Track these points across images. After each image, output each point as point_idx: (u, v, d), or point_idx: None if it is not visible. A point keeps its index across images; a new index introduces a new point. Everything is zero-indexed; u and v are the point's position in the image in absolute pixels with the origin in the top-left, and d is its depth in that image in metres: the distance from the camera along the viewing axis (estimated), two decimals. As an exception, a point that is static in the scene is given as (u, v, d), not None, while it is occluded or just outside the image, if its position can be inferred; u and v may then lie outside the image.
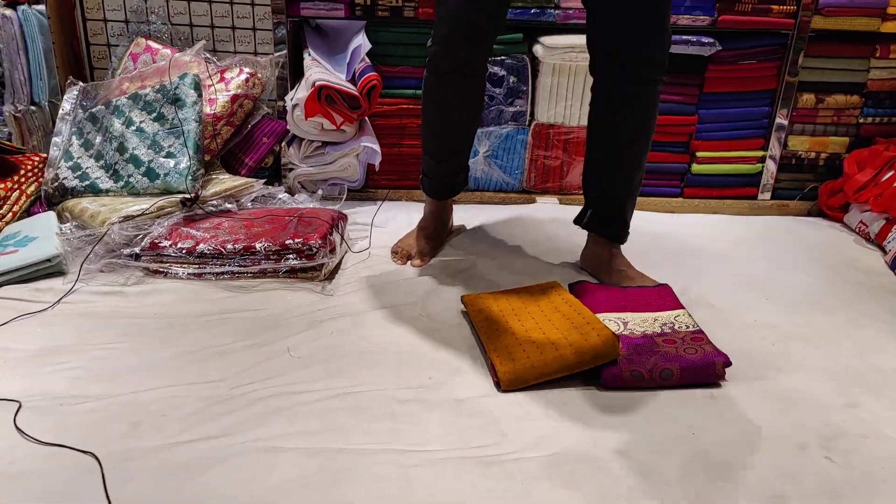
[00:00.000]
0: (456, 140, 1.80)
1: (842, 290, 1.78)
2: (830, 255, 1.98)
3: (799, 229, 2.18)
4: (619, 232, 1.74)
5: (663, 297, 1.62)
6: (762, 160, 2.27)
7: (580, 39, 2.06)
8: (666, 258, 1.90)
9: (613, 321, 1.52)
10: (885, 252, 1.97)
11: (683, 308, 1.57)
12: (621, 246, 1.76)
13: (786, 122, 2.23)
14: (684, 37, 2.13)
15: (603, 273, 1.74)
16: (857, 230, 2.11)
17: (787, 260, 1.95)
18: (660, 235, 2.06)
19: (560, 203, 2.26)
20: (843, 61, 2.20)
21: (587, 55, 2.14)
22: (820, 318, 1.63)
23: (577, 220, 1.80)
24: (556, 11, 2.14)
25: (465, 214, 2.12)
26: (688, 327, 1.49)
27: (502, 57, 2.17)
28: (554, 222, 2.09)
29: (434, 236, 1.90)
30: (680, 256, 1.93)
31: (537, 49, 2.14)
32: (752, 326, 1.58)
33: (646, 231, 2.04)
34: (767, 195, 2.30)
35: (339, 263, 1.80)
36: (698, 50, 2.14)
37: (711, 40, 2.13)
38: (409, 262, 1.83)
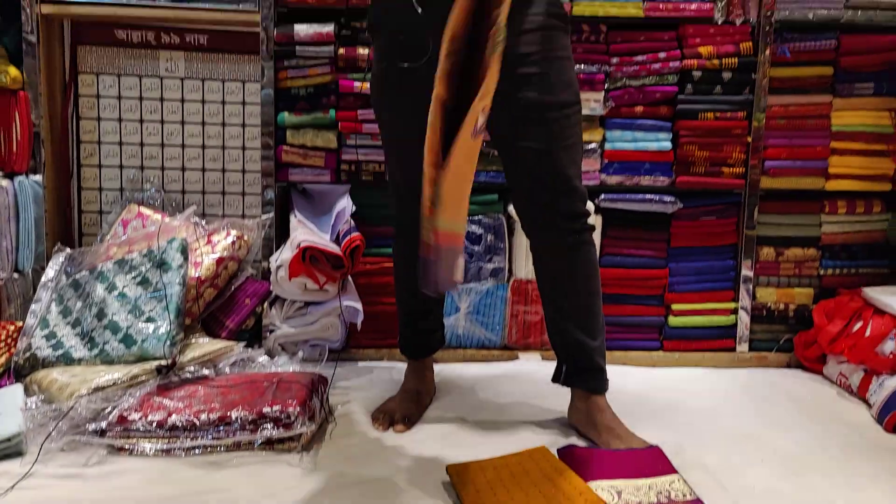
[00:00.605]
0: (427, 298, 1.58)
1: (834, 448, 1.53)
2: (816, 410, 1.74)
3: (781, 382, 1.94)
4: (596, 381, 1.50)
5: (656, 461, 1.37)
6: (735, 311, 2.08)
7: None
8: (653, 415, 1.65)
9: (606, 490, 1.28)
10: (869, 405, 1.73)
11: (677, 473, 1.33)
12: (606, 396, 1.51)
13: (751, 274, 2.06)
14: (647, 196, 2.01)
15: (591, 431, 1.49)
16: (838, 382, 1.88)
17: (774, 415, 1.70)
18: (644, 391, 1.82)
19: (543, 359, 2.01)
20: (795, 217, 2.08)
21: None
22: (819, 480, 1.38)
23: (555, 378, 1.57)
24: (529, 175, 2.00)
25: (449, 374, 1.88)
26: (684, 496, 1.27)
27: (479, 216, 2.01)
28: (538, 380, 1.83)
29: (416, 399, 1.64)
30: (666, 413, 1.68)
31: (511, 209, 1.98)
32: (751, 491, 1.33)
33: (629, 387, 1.81)
34: (745, 346, 2.08)
35: (320, 430, 1.52)
36: (661, 207, 2.01)
37: (673, 199, 2.01)
38: (391, 429, 1.55)
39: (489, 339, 2.05)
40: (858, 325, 1.82)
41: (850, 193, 2.06)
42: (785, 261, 2.08)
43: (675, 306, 2.07)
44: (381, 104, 1.53)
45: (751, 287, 2.06)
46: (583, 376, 1.51)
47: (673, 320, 2.07)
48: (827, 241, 2.07)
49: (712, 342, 2.08)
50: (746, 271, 2.05)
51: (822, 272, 2.08)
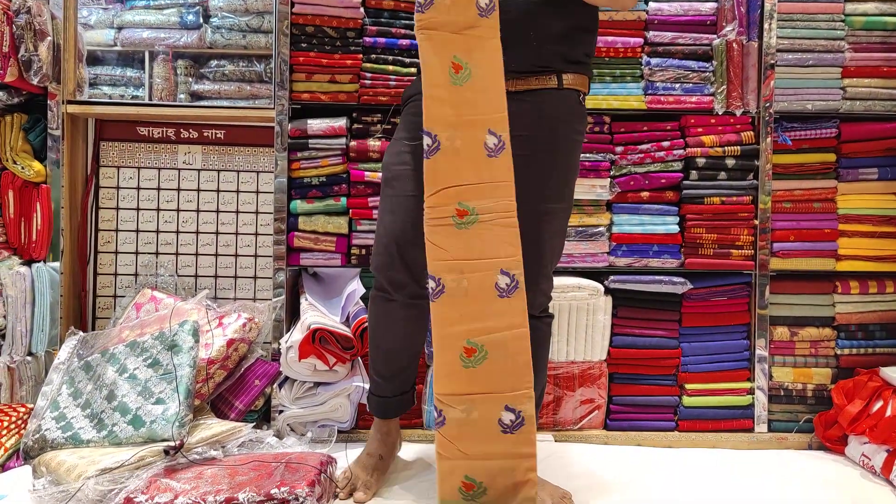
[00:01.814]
0: (399, 358, 1.76)
1: (861, 531, 1.56)
2: (840, 493, 1.78)
3: (804, 465, 1.98)
4: None
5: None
6: (751, 392, 2.15)
7: (562, 281, 2.07)
8: (671, 498, 1.69)
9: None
10: (894, 486, 1.77)
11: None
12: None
13: (766, 354, 2.15)
14: (657, 277, 2.14)
15: None
16: (861, 464, 1.92)
17: (798, 499, 1.74)
18: (662, 473, 1.87)
19: (555, 441, 2.07)
20: (808, 297, 2.19)
21: (570, 294, 2.12)
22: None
23: None
24: (537, 257, 2.15)
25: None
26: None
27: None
28: (551, 461, 1.89)
29: (377, 466, 1.75)
30: (686, 497, 1.72)
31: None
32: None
33: (647, 468, 1.86)
34: (764, 427, 2.13)
35: (327, 514, 1.58)
36: (671, 288, 2.13)
37: (682, 280, 2.13)
38: (352, 497, 1.66)
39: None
40: (878, 404, 1.89)
41: (863, 274, 2.17)
42: (800, 340, 2.16)
43: (689, 386, 2.14)
44: (387, 170, 1.71)
45: (766, 367, 2.14)
46: None
47: (687, 400, 2.14)
48: (842, 321, 2.16)
49: (729, 422, 2.14)
50: (761, 351, 2.14)
51: (838, 352, 2.16)
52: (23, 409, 1.86)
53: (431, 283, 1.44)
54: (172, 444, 1.68)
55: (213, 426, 1.80)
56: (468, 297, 1.42)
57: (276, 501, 1.51)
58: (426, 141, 1.47)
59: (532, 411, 1.44)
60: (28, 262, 2.13)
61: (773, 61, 2.15)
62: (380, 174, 1.88)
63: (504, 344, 1.42)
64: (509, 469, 1.45)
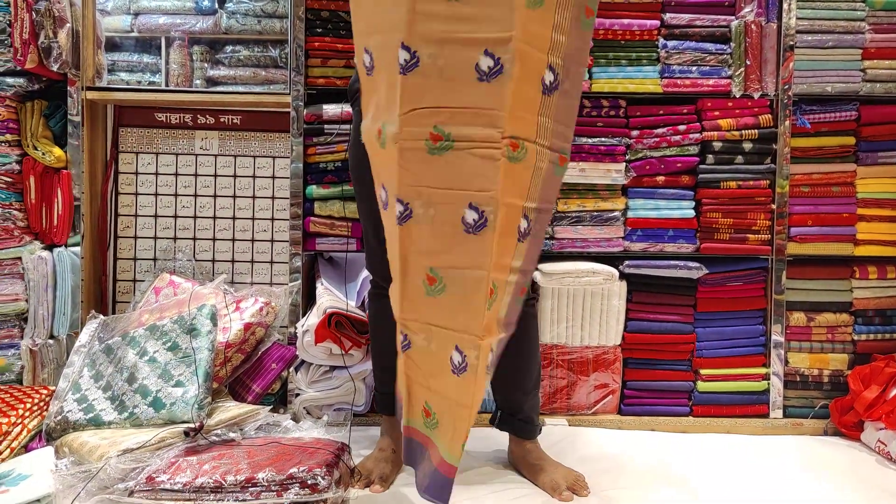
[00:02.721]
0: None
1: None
2: (855, 479, 1.77)
3: (819, 451, 1.97)
4: (526, 430, 1.76)
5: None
6: (766, 377, 2.14)
7: (576, 266, 2.07)
8: (685, 483, 1.69)
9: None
10: (911, 472, 1.76)
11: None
12: (538, 440, 1.76)
13: (782, 339, 2.14)
14: (672, 262, 2.12)
15: (521, 466, 1.75)
16: (877, 450, 1.91)
17: (813, 484, 1.73)
18: (676, 458, 1.87)
19: (569, 425, 2.08)
20: (825, 282, 2.17)
21: (585, 279, 2.12)
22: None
23: (491, 421, 1.82)
24: (552, 241, 2.16)
25: (476, 435, 1.93)
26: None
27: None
28: (562, 444, 1.90)
29: (391, 459, 1.75)
30: (700, 481, 1.72)
31: (536, 275, 2.11)
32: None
33: (661, 452, 1.87)
34: (779, 413, 2.13)
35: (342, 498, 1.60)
36: (686, 273, 2.12)
37: (698, 265, 2.12)
38: (368, 489, 1.67)
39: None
40: (895, 391, 1.88)
41: (881, 259, 2.15)
42: (817, 326, 2.15)
43: (703, 371, 2.14)
44: (356, 172, 1.70)
45: (782, 352, 2.13)
46: (515, 424, 1.76)
47: (702, 385, 2.13)
48: (860, 307, 2.15)
49: (744, 408, 2.13)
50: (777, 336, 2.13)
51: (855, 337, 2.15)
52: (45, 392, 1.89)
53: (399, 207, 1.29)
54: (192, 425, 1.70)
55: (231, 409, 1.83)
56: (433, 227, 1.29)
57: (295, 481, 1.53)
58: (402, 56, 1.25)
59: (477, 362, 1.30)
60: (49, 247, 2.17)
61: (792, 42, 2.12)
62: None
63: (462, 281, 1.29)
64: (450, 411, 1.37)
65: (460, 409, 1.34)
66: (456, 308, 1.30)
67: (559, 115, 1.29)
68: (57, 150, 2.16)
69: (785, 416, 2.13)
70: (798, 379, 2.16)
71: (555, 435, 1.96)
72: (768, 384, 2.13)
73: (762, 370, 2.15)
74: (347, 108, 2.14)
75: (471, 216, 1.25)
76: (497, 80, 1.22)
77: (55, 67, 2.10)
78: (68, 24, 2.12)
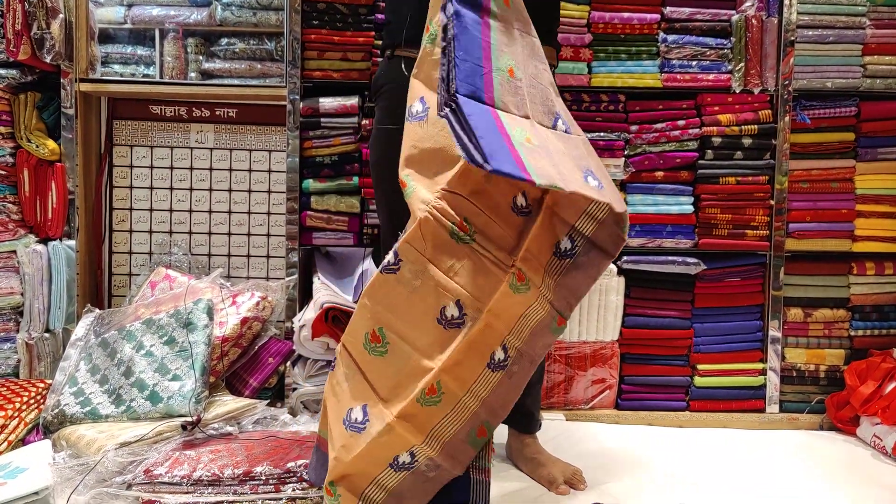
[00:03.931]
0: None
1: (870, 510, 1.60)
2: (850, 473, 1.81)
3: (814, 445, 2.02)
4: (525, 423, 1.78)
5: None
6: (763, 373, 2.18)
7: (574, 261, 2.10)
8: (681, 476, 1.73)
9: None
10: (905, 467, 1.81)
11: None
12: (537, 434, 1.79)
13: (780, 335, 2.17)
14: (670, 257, 2.16)
15: (520, 462, 1.77)
16: (873, 444, 1.96)
17: (808, 479, 1.77)
18: (672, 452, 1.91)
19: (567, 420, 2.12)
20: (823, 278, 2.21)
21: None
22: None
23: None
24: (550, 237, 2.18)
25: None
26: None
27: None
28: (560, 439, 1.94)
29: None
30: (696, 475, 1.76)
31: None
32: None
33: (658, 447, 1.90)
34: (775, 408, 2.17)
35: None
36: (684, 269, 2.16)
37: (696, 260, 2.15)
38: None
39: (512, 403, 2.18)
40: (891, 386, 1.91)
41: (879, 255, 2.19)
42: (814, 322, 2.19)
43: (700, 366, 2.18)
44: (377, 165, 1.70)
45: (779, 348, 2.17)
46: (514, 417, 1.75)
47: (699, 381, 2.17)
48: (857, 303, 2.18)
49: (741, 403, 2.17)
50: (774, 332, 2.17)
51: (852, 333, 2.19)
52: (41, 385, 1.92)
53: (391, 257, 1.28)
54: (190, 419, 1.74)
55: (228, 403, 1.86)
56: (411, 295, 1.27)
57: (293, 475, 1.56)
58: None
59: (376, 436, 1.28)
60: (44, 241, 2.19)
61: (793, 38, 2.14)
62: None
63: (407, 360, 1.28)
64: (333, 448, 1.35)
65: (335, 462, 1.33)
66: (388, 377, 1.30)
67: (567, 281, 1.32)
68: (51, 143, 2.18)
69: (781, 410, 2.18)
70: (794, 374, 2.20)
71: (552, 430, 1.99)
72: (765, 379, 2.17)
73: (759, 365, 2.19)
74: (344, 101, 2.16)
75: (451, 311, 1.26)
76: (527, 217, 1.30)
77: (48, 59, 2.12)
78: (61, 15, 2.13)
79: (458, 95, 1.19)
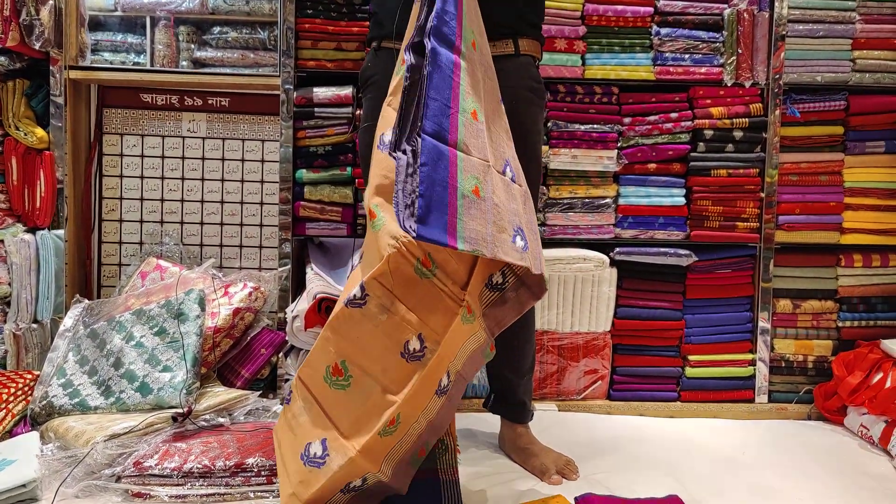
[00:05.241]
0: None
1: (856, 500, 1.59)
2: (838, 462, 1.80)
3: (802, 434, 2.00)
4: (517, 413, 1.77)
5: (676, 511, 1.42)
6: (753, 363, 2.16)
7: (567, 252, 2.07)
8: (671, 466, 1.71)
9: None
10: (891, 457, 1.79)
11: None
12: (530, 424, 1.77)
13: (769, 326, 2.16)
14: (662, 249, 2.13)
15: (511, 451, 1.76)
16: (860, 434, 1.94)
17: (796, 467, 1.76)
18: (662, 442, 1.88)
19: (559, 410, 2.09)
20: (811, 270, 2.19)
21: (576, 266, 2.12)
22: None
23: (485, 404, 1.83)
24: (543, 228, 2.15)
25: (465, 423, 1.95)
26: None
27: (493, 270, 2.14)
28: (553, 430, 1.91)
29: None
30: (685, 464, 1.74)
31: (526, 262, 2.12)
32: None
33: (649, 437, 1.88)
34: (764, 398, 2.16)
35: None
36: (676, 260, 2.14)
37: (688, 252, 2.13)
38: None
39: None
40: (878, 376, 1.90)
41: (866, 247, 2.17)
42: (802, 313, 2.18)
43: (691, 357, 2.16)
44: (364, 159, 1.67)
45: (768, 339, 2.15)
46: (506, 407, 1.78)
47: (690, 371, 2.15)
48: (844, 294, 2.17)
49: (731, 393, 2.16)
50: (763, 323, 2.15)
51: (840, 324, 2.18)
52: (29, 376, 1.87)
53: (357, 291, 1.27)
54: (181, 410, 1.69)
55: (220, 394, 1.82)
56: (376, 330, 1.27)
57: (284, 467, 1.52)
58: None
59: (336, 469, 1.27)
60: (32, 230, 2.13)
61: (784, 32, 2.12)
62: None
63: (370, 394, 1.27)
64: (284, 489, 1.37)
65: (290, 498, 1.33)
66: (350, 411, 1.29)
67: (494, 312, 1.36)
68: (39, 131, 2.12)
69: (770, 401, 2.16)
70: (783, 365, 2.19)
71: (545, 420, 1.96)
72: (754, 370, 2.16)
73: (748, 356, 2.17)
74: (338, 91, 2.11)
75: (414, 345, 1.27)
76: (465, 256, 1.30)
77: (37, 46, 2.05)
78: (51, 2, 2.07)
79: (422, 135, 1.20)
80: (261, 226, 2.26)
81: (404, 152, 1.25)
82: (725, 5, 2.16)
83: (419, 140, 1.21)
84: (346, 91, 2.11)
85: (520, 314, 1.39)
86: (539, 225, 2.14)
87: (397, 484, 1.33)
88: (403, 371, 1.27)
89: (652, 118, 2.16)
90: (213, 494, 1.50)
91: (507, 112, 1.44)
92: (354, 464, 1.27)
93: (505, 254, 1.24)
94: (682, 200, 2.17)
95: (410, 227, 1.17)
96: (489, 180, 1.28)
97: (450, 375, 1.30)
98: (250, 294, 2.04)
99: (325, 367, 1.31)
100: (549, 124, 2.14)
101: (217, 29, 2.30)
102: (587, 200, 2.16)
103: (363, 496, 1.33)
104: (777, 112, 2.14)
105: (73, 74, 2.16)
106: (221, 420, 1.74)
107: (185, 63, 2.30)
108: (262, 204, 2.29)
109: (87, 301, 2.02)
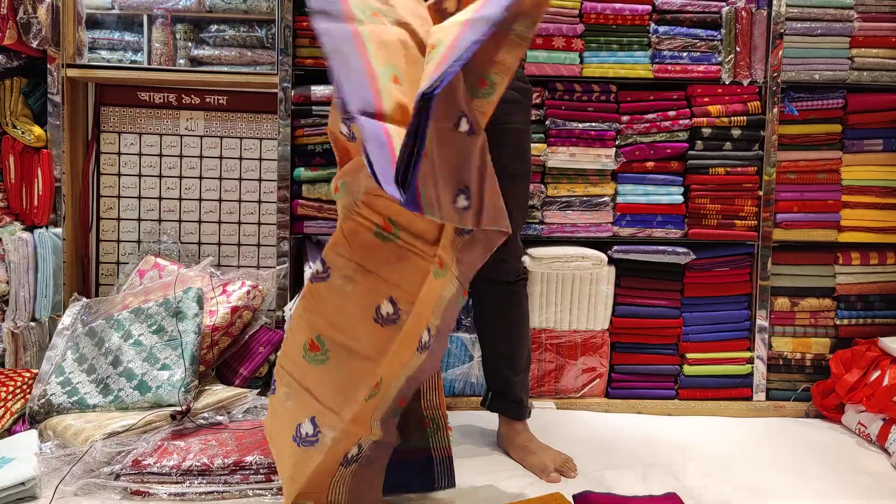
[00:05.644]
0: None
1: (854, 497, 1.60)
2: (835, 459, 1.80)
3: (800, 432, 2.00)
4: (515, 410, 1.77)
5: (674, 509, 1.42)
6: (750, 361, 2.17)
7: (565, 250, 2.07)
8: (669, 464, 1.71)
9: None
10: (888, 454, 1.80)
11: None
12: (527, 421, 1.77)
13: (767, 324, 2.16)
14: (660, 247, 2.13)
15: (510, 450, 1.75)
16: (857, 432, 1.95)
17: (794, 465, 1.76)
18: (660, 440, 1.89)
19: (557, 408, 2.10)
20: (809, 268, 2.19)
21: (574, 264, 2.12)
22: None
23: (483, 402, 1.83)
24: (542, 226, 2.16)
25: (463, 421, 1.95)
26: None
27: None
28: (551, 427, 1.91)
29: None
30: (683, 462, 1.74)
31: (526, 259, 2.11)
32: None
33: (647, 435, 1.88)
34: (762, 396, 2.16)
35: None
36: (674, 259, 2.14)
37: (685, 250, 2.13)
38: None
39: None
40: (876, 374, 1.90)
41: (864, 245, 2.18)
42: (800, 311, 2.18)
43: (689, 355, 2.16)
44: None
45: (766, 337, 2.16)
46: (504, 404, 1.78)
47: (688, 369, 2.16)
48: (842, 292, 2.17)
49: (729, 391, 2.16)
50: (761, 321, 2.15)
51: (838, 322, 2.18)
52: (27, 375, 1.86)
53: (319, 266, 1.28)
54: (179, 408, 1.69)
55: (218, 392, 1.82)
56: (345, 301, 1.27)
57: (282, 465, 1.52)
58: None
59: (331, 444, 1.28)
60: (30, 228, 2.12)
61: (782, 30, 2.12)
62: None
63: (349, 363, 1.28)
64: (283, 473, 1.37)
65: (290, 482, 1.33)
66: (332, 384, 1.30)
67: (465, 257, 1.33)
68: (37, 129, 2.11)
69: (768, 398, 2.17)
70: (781, 363, 2.19)
71: (543, 418, 1.97)
72: (752, 368, 2.16)
73: (746, 354, 2.17)
74: (336, 89, 2.11)
75: (386, 308, 1.27)
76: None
77: (35, 44, 2.05)
78: (48, 0, 2.06)
79: (354, 115, 1.17)
80: (259, 224, 2.26)
81: (351, 138, 1.28)
82: (724, 3, 2.16)
83: (352, 121, 1.21)
84: (345, 89, 2.11)
85: (489, 252, 1.36)
86: (537, 223, 2.15)
87: (388, 437, 1.34)
88: (380, 336, 1.27)
89: (650, 116, 2.15)
90: (212, 492, 1.51)
91: (494, 115, 1.40)
92: (348, 433, 1.28)
93: (449, 215, 1.21)
94: (680, 199, 2.17)
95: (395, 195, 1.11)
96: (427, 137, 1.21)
97: (430, 331, 1.30)
98: (248, 292, 2.04)
99: (302, 345, 1.32)
100: (548, 122, 2.13)
101: (214, 27, 2.29)
102: (585, 198, 2.16)
103: (364, 467, 1.33)
104: (775, 110, 2.14)
105: (71, 72, 2.15)
106: (220, 418, 1.74)
107: (182, 61, 2.29)
108: (260, 202, 2.29)
109: (85, 299, 2.02)
